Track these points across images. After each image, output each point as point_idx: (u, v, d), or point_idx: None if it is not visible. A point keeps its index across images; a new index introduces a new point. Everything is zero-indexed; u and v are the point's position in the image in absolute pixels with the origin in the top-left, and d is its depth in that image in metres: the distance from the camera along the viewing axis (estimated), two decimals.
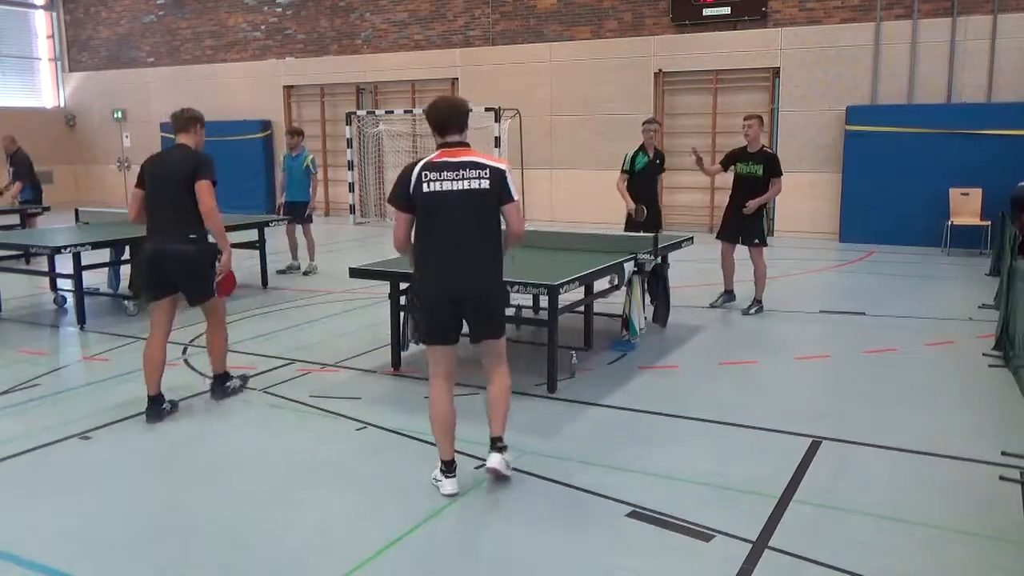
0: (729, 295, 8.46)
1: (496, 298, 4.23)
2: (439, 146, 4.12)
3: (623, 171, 8.36)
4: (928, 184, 12.82)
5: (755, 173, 8.05)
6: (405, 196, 4.04)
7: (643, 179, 8.38)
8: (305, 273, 10.66)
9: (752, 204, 8.01)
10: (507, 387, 4.34)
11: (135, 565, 3.51)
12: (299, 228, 10.79)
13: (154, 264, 5.27)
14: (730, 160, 8.26)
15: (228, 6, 19.48)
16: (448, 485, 4.11)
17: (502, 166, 4.15)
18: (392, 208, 4.14)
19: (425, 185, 4.00)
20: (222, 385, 5.71)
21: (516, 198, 4.14)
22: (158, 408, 5.27)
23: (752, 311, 8.18)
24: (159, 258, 5.25)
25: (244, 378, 5.92)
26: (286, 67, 18.84)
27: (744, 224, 8.13)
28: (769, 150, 8.23)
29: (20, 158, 12.27)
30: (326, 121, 18.59)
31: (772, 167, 8.04)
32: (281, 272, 10.61)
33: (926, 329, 7.54)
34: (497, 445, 4.24)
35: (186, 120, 5.62)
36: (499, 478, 4.22)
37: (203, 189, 5.32)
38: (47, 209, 12.40)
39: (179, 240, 5.23)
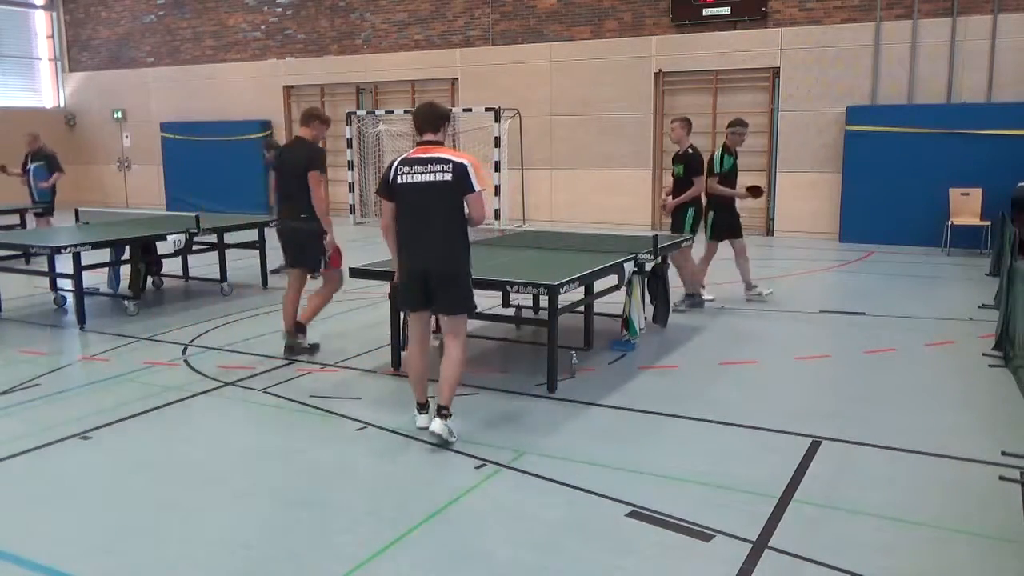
0: (691, 298, 8.44)
1: (452, 276, 4.79)
2: (416, 144, 4.89)
3: (712, 172, 8.48)
4: (928, 184, 12.82)
5: (678, 173, 8.37)
6: (386, 187, 4.83)
7: (728, 181, 8.50)
8: (274, 271, 10.57)
9: (670, 203, 8.36)
10: (455, 360, 4.82)
11: (135, 565, 3.51)
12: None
13: (279, 237, 6.76)
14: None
15: (228, 6, 19.49)
16: (421, 420, 4.96)
17: (464, 161, 4.72)
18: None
19: (399, 177, 4.75)
20: (302, 332, 6.72)
21: (477, 189, 4.70)
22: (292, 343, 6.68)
23: (682, 307, 8.29)
24: (279, 234, 6.74)
25: (315, 347, 6.77)
26: (286, 67, 18.84)
27: (673, 223, 8.44)
28: (691, 151, 8.35)
29: (49, 153, 12.22)
30: None
31: (690, 167, 8.28)
32: (274, 271, 10.53)
33: (926, 329, 7.54)
34: (441, 412, 4.75)
35: (305, 116, 6.65)
36: (441, 443, 4.70)
37: (312, 178, 6.43)
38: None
39: (292, 218, 6.55)
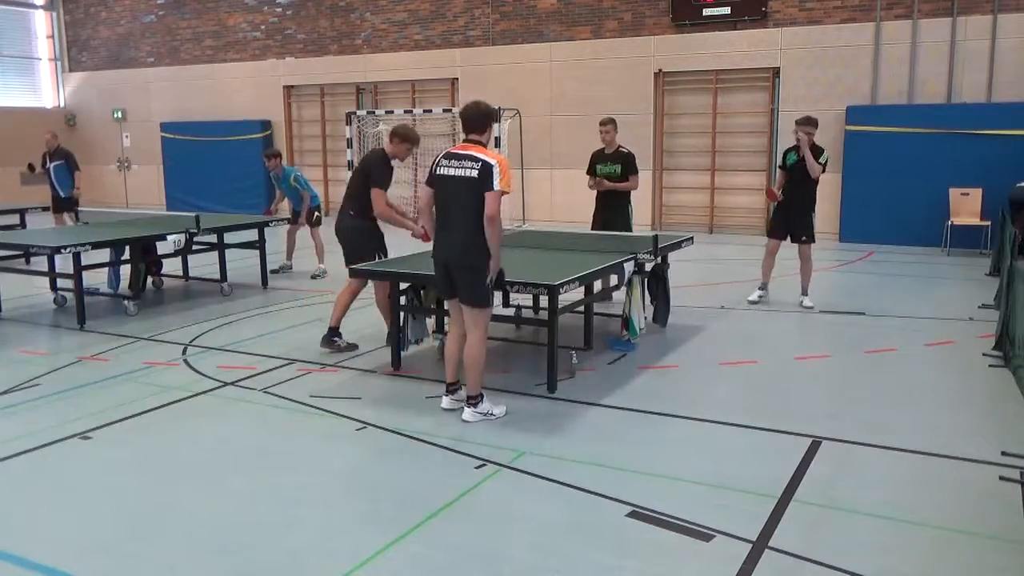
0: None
1: (468, 268, 5.03)
2: (463, 141, 5.18)
3: (779, 167, 8.71)
4: (928, 184, 12.82)
5: (614, 172, 8.43)
6: (430, 174, 5.19)
7: (791, 178, 8.50)
8: (313, 277, 10.55)
9: (607, 184, 8.44)
10: (472, 351, 5.15)
11: (135, 565, 3.51)
12: (306, 230, 10.78)
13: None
14: (592, 163, 8.63)
15: (228, 6, 19.48)
16: (444, 401, 5.37)
17: (492, 160, 4.93)
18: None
19: (439, 168, 5.09)
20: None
21: (496, 188, 4.88)
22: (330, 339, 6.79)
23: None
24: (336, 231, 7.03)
25: (353, 345, 6.87)
26: (286, 67, 18.84)
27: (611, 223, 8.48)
28: (624, 149, 8.49)
29: (67, 152, 12.64)
30: (326, 121, 18.59)
31: (628, 165, 8.41)
32: (274, 272, 10.55)
33: (926, 329, 7.54)
34: (469, 401, 5.18)
35: (391, 133, 6.78)
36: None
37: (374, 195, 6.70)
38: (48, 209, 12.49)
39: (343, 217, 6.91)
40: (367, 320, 7.90)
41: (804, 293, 8.61)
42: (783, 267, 9.00)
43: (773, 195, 8.62)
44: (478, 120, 5.10)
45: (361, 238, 6.78)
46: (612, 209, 8.52)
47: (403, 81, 17.55)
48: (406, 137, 6.63)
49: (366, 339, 7.22)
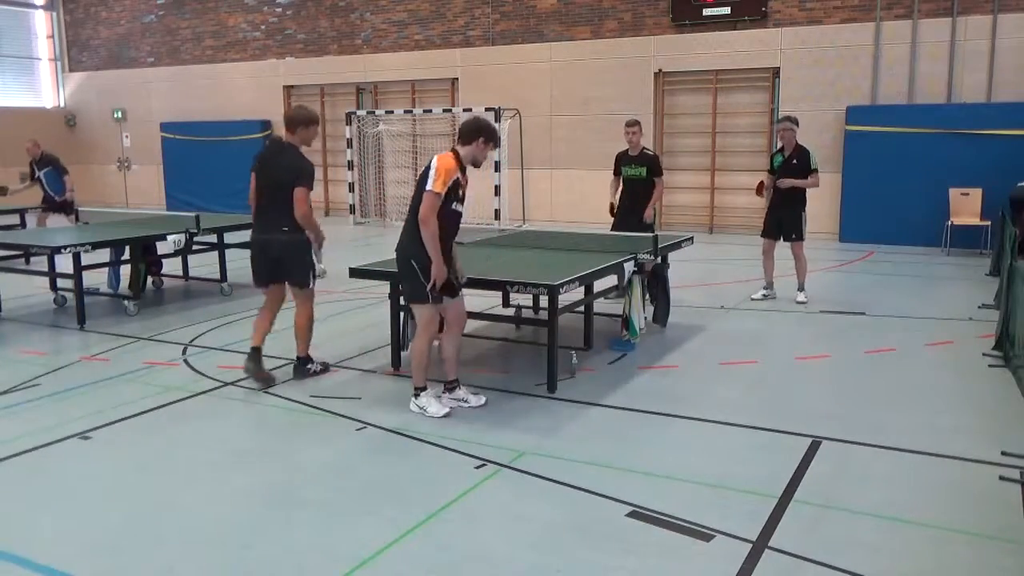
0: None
1: (400, 270, 5.32)
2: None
3: (768, 171, 8.83)
4: (928, 184, 12.82)
5: (639, 175, 8.43)
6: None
7: (780, 178, 8.59)
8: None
9: (648, 212, 8.41)
10: (416, 346, 5.42)
11: (135, 565, 3.51)
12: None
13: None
14: (617, 165, 8.65)
15: (228, 6, 19.49)
16: (444, 399, 5.43)
17: (433, 160, 5.12)
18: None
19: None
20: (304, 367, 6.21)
21: (428, 187, 4.99)
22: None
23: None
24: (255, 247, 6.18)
25: (326, 365, 6.35)
26: (286, 67, 18.84)
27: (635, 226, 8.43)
28: (649, 151, 8.55)
29: (53, 158, 12.61)
30: (326, 121, 18.57)
31: (654, 167, 8.41)
32: None
33: (926, 329, 7.54)
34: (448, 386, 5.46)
35: (294, 120, 6.14)
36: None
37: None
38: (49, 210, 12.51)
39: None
40: (368, 319, 7.91)
41: (799, 289, 8.73)
42: (782, 267, 9.01)
43: (760, 190, 8.74)
44: (464, 131, 5.29)
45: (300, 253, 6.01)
46: (788, 208, 8.52)
47: (403, 81, 17.55)
48: (316, 119, 6.31)
49: (366, 339, 7.22)
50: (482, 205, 15.07)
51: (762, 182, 8.78)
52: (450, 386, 5.44)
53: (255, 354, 5.98)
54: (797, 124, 8.62)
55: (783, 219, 8.62)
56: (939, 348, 6.89)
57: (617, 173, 8.61)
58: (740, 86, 14.69)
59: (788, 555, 3.50)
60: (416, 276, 5.14)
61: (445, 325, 5.41)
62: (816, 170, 8.48)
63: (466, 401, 5.41)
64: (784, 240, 8.67)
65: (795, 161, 8.50)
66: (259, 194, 5.99)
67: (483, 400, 5.45)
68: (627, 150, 8.50)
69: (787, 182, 8.44)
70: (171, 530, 3.81)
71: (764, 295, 8.81)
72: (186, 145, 19.71)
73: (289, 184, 5.78)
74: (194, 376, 6.24)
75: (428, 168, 5.07)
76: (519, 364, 6.57)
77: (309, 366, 6.16)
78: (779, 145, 8.73)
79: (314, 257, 6.02)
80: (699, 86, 14.95)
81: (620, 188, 8.64)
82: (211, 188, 18.97)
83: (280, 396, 5.74)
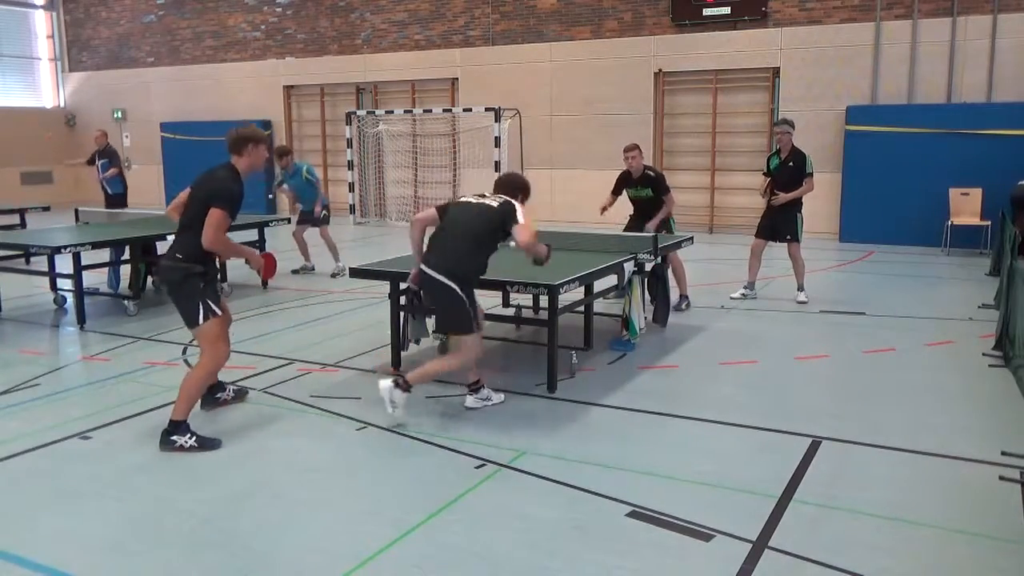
0: (685, 299, 8.54)
1: (442, 298, 5.29)
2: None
3: (763, 173, 8.88)
4: (928, 184, 12.82)
5: (646, 195, 8.38)
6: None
7: (776, 181, 8.64)
8: (333, 275, 10.49)
9: (651, 224, 8.31)
10: (463, 363, 5.35)
11: (135, 565, 3.51)
12: (316, 231, 10.78)
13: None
14: (619, 185, 8.57)
15: (228, 6, 19.48)
16: (470, 400, 5.45)
17: (504, 203, 5.32)
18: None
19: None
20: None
21: (523, 222, 5.20)
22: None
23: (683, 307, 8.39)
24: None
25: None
26: (286, 67, 18.84)
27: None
28: (652, 172, 8.42)
29: (112, 151, 12.83)
30: (326, 121, 18.59)
31: (658, 186, 8.34)
32: (295, 272, 10.68)
33: (926, 329, 7.54)
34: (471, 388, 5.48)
35: (238, 140, 4.96)
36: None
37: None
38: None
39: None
40: (368, 319, 7.91)
41: (799, 289, 8.75)
42: (780, 267, 9.01)
43: (766, 192, 8.76)
44: (514, 185, 5.52)
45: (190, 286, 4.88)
46: (782, 210, 8.57)
47: (403, 81, 17.55)
48: (263, 138, 5.05)
49: (366, 339, 7.22)
50: None
51: (768, 186, 8.79)
52: (474, 387, 5.46)
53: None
54: (793, 127, 8.66)
55: (777, 222, 8.66)
56: (939, 348, 6.89)
57: (616, 192, 8.54)
58: (740, 86, 14.69)
59: (788, 555, 3.50)
60: (464, 305, 5.14)
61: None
62: (811, 174, 8.50)
63: (490, 400, 5.47)
64: (780, 241, 8.72)
65: (791, 164, 8.53)
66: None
67: (502, 397, 5.55)
68: (630, 172, 8.39)
69: (781, 199, 8.49)
70: (171, 530, 3.81)
71: (743, 294, 8.84)
72: (186, 145, 19.70)
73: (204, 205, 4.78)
74: None
75: (493, 206, 5.25)
76: (519, 364, 6.57)
77: (174, 437, 4.78)
78: (776, 147, 8.74)
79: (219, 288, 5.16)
80: (699, 86, 14.95)
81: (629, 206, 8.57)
82: None
83: (280, 396, 5.74)
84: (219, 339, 4.89)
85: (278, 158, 10.45)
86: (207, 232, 4.68)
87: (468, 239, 5.17)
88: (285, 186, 10.62)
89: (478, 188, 11.01)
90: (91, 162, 13.33)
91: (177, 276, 4.80)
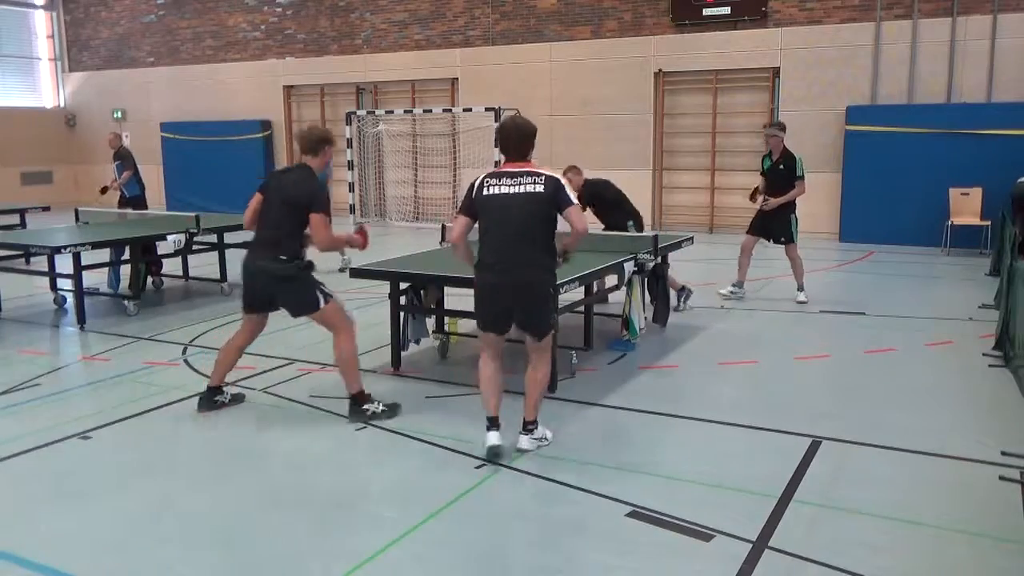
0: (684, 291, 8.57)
1: (529, 301, 4.62)
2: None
3: (760, 173, 8.94)
4: (928, 184, 12.82)
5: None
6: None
7: (769, 182, 8.70)
8: (341, 269, 10.58)
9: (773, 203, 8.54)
10: (540, 376, 4.74)
11: (135, 565, 3.51)
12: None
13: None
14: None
15: (228, 6, 19.48)
16: (490, 437, 4.59)
17: (551, 176, 4.59)
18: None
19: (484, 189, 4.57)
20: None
21: (575, 202, 4.54)
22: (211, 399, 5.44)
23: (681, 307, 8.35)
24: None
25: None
26: (286, 67, 18.84)
27: None
28: (592, 187, 8.39)
29: (125, 153, 12.51)
30: (326, 121, 18.58)
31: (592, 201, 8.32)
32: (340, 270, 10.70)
33: (926, 329, 7.54)
34: (528, 427, 4.69)
35: (314, 141, 5.25)
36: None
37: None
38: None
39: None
40: (368, 319, 7.89)
41: (799, 289, 8.76)
42: (779, 267, 9.01)
43: (755, 195, 8.78)
44: (521, 143, 4.69)
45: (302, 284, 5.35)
46: (776, 212, 8.58)
47: (403, 81, 17.55)
48: (333, 139, 5.49)
49: (366, 339, 7.21)
50: None
51: (757, 188, 8.82)
52: (531, 427, 4.71)
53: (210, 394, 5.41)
54: (784, 130, 8.70)
55: (771, 224, 8.68)
56: (939, 348, 6.89)
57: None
58: (740, 86, 14.69)
59: (788, 555, 3.50)
60: (549, 302, 4.64)
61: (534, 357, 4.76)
62: (802, 177, 8.52)
63: (546, 439, 4.75)
64: (775, 243, 8.76)
65: (782, 167, 8.56)
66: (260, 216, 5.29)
67: (551, 435, 4.82)
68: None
69: (772, 203, 8.52)
70: (171, 530, 3.81)
71: (732, 292, 8.84)
72: (186, 145, 19.71)
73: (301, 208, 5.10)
74: (194, 376, 6.23)
75: (541, 182, 4.49)
76: (519, 364, 6.56)
77: (366, 406, 5.20)
78: (768, 149, 8.77)
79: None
80: (699, 86, 14.95)
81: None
82: (211, 188, 18.95)
83: (280, 396, 5.74)
84: (342, 311, 5.31)
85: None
86: (320, 237, 5.09)
87: (527, 240, 4.48)
88: None
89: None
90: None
91: (292, 273, 5.10)
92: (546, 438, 4.74)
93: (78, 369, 6.63)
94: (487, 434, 4.57)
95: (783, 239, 8.65)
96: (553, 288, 4.67)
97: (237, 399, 5.58)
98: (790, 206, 8.61)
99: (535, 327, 4.60)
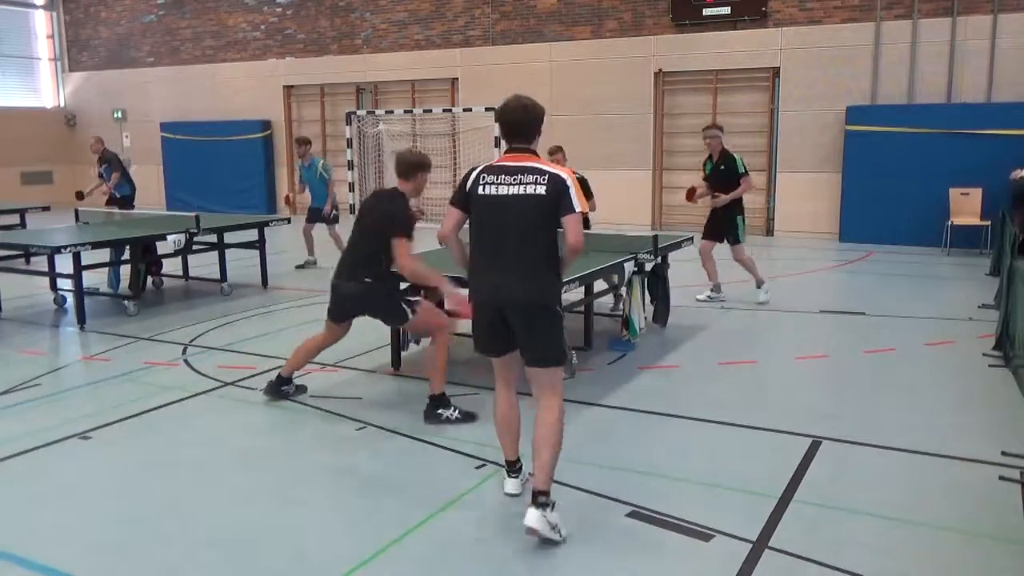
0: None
1: (537, 325, 3.84)
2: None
3: (703, 177, 8.90)
4: (928, 184, 12.81)
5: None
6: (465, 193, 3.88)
7: (713, 184, 8.68)
8: (299, 267, 10.76)
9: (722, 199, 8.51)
10: (550, 423, 3.77)
11: (135, 565, 3.51)
12: (325, 229, 10.93)
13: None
14: None
15: (228, 6, 19.48)
16: (510, 484, 4.12)
17: (558, 174, 3.73)
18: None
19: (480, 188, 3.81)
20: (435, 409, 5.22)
21: (578, 210, 3.68)
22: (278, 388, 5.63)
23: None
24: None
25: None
26: (286, 67, 18.83)
27: None
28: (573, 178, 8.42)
29: (110, 156, 12.50)
30: (326, 121, 18.59)
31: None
32: (299, 267, 10.97)
33: (926, 329, 7.54)
34: (538, 500, 3.61)
35: (410, 166, 5.24)
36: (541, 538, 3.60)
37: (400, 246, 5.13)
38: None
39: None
40: (368, 319, 7.88)
41: (758, 287, 8.69)
42: (779, 267, 9.01)
43: (691, 196, 8.79)
44: (527, 125, 3.82)
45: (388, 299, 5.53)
46: (721, 212, 8.58)
47: (403, 81, 17.55)
48: (429, 164, 5.35)
49: (366, 339, 7.21)
50: None
51: (693, 188, 8.82)
52: (544, 500, 3.66)
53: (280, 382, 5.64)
54: (722, 131, 8.71)
55: (718, 224, 8.66)
56: (939, 348, 6.89)
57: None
58: (740, 86, 14.69)
59: (788, 555, 3.50)
60: (560, 326, 3.85)
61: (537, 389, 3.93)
62: (745, 173, 8.51)
63: (560, 535, 3.63)
64: (729, 244, 8.68)
65: (723, 167, 8.54)
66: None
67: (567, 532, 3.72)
68: None
69: (720, 201, 8.50)
70: (171, 530, 3.81)
71: (709, 297, 8.77)
72: (186, 145, 19.71)
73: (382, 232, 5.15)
74: (194, 376, 6.24)
75: (544, 182, 3.68)
76: (518, 364, 6.55)
77: (440, 411, 5.17)
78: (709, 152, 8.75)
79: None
80: (699, 86, 14.95)
81: None
82: (211, 188, 18.98)
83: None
84: (434, 311, 5.50)
85: (297, 146, 11.10)
86: (404, 264, 5.10)
87: (524, 249, 3.74)
88: (301, 178, 11.15)
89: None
90: (101, 176, 13.06)
91: (381, 294, 5.32)
92: (559, 531, 3.60)
93: (78, 369, 6.63)
94: (505, 480, 4.10)
95: (728, 240, 8.60)
96: (559, 306, 3.88)
97: (300, 390, 5.73)
98: (736, 207, 8.56)
99: (538, 353, 3.80)
